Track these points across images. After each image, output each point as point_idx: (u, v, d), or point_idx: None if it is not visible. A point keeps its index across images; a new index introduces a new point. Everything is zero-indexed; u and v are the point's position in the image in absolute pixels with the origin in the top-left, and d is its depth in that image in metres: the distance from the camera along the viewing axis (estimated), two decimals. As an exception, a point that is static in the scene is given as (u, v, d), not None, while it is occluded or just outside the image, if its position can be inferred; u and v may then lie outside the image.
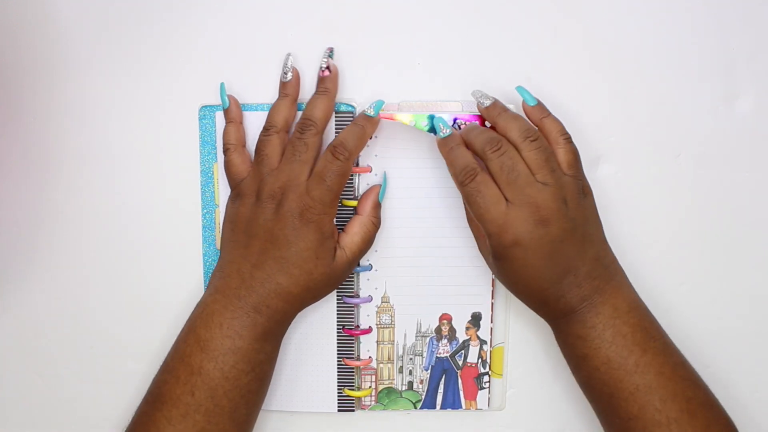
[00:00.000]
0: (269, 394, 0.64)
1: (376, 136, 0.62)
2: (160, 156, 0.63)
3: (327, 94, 0.59)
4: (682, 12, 0.61)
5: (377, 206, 0.61)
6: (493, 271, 0.59)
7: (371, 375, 0.64)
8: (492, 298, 0.63)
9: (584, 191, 0.57)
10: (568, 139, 0.57)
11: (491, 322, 0.64)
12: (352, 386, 0.64)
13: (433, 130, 0.59)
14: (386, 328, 0.64)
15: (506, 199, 0.55)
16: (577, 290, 0.55)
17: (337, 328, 0.64)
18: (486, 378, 0.64)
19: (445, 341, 0.64)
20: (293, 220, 0.56)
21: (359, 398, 0.65)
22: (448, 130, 0.58)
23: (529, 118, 0.58)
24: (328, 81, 0.59)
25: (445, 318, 0.64)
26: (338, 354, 0.64)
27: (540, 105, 0.58)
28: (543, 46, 0.62)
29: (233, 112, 0.61)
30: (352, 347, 0.64)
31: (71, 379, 0.66)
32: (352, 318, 0.63)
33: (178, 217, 0.64)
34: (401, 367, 0.65)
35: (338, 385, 0.64)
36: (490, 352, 0.64)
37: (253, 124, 0.62)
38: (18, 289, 0.65)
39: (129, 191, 0.64)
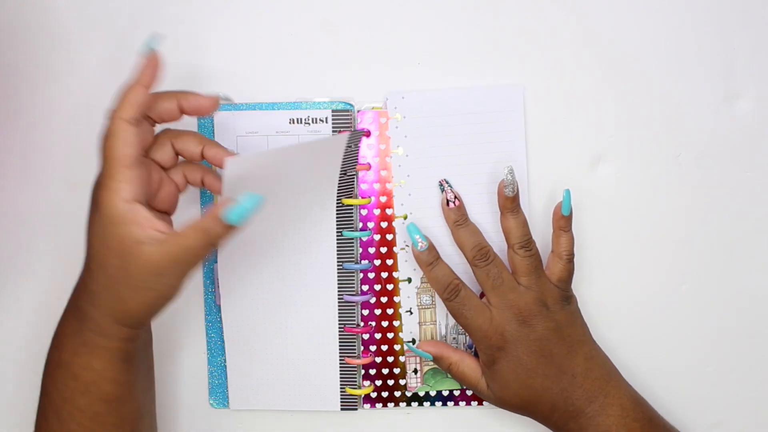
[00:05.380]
0: (271, 392, 0.64)
1: (397, 127, 0.62)
2: (159, 155, 0.63)
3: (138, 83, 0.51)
4: (683, 12, 0.61)
5: (216, 222, 0.48)
6: (492, 393, 0.59)
7: (415, 357, 0.64)
8: None
9: (568, 299, 0.59)
10: (571, 258, 0.59)
11: None
12: (354, 385, 0.64)
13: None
14: (427, 308, 0.64)
15: (490, 303, 0.58)
16: (580, 391, 0.57)
17: (339, 327, 0.64)
18: None
19: None
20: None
21: (361, 395, 0.65)
22: (425, 243, 0.59)
23: (553, 219, 0.60)
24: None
25: None
26: (340, 352, 0.64)
27: (570, 217, 0.59)
28: (543, 46, 0.62)
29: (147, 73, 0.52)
30: (354, 345, 0.64)
31: (72, 378, 0.66)
32: (353, 316, 0.64)
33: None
34: None
35: (340, 384, 0.64)
36: None
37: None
38: (18, 289, 0.65)
39: (129, 191, 0.64)
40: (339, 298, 0.63)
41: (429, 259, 0.59)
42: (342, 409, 0.64)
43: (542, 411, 0.58)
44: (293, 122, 0.62)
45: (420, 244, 0.59)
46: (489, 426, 0.66)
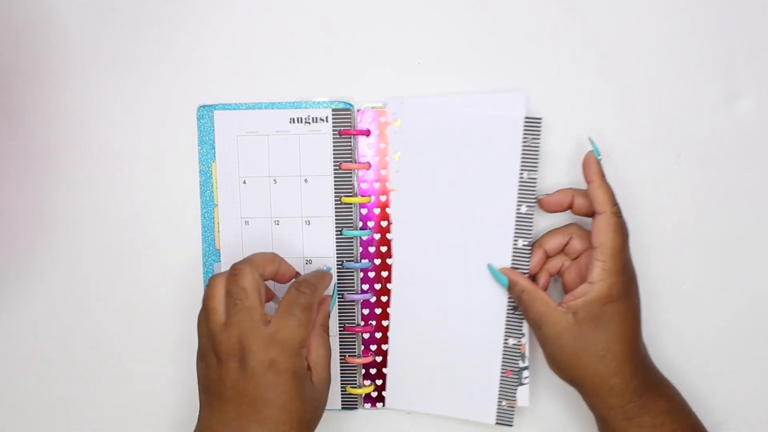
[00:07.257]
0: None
1: (395, 133, 0.62)
2: (159, 156, 0.63)
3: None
4: (683, 12, 0.61)
5: (328, 316, 0.59)
6: (574, 326, 0.56)
7: None
8: None
9: None
10: None
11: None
12: (355, 384, 0.64)
13: None
14: None
15: None
16: (645, 374, 0.57)
17: (339, 326, 0.64)
18: (526, 373, 0.63)
19: None
20: (264, 375, 0.51)
21: (361, 394, 0.65)
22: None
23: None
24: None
25: None
26: (340, 352, 0.64)
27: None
28: (544, 47, 0.62)
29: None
30: (354, 345, 0.64)
31: (71, 379, 0.66)
32: (353, 316, 0.64)
33: (177, 217, 0.64)
34: None
35: (341, 383, 0.64)
36: (528, 345, 0.63)
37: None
38: (18, 289, 0.65)
39: (128, 191, 0.64)
40: (339, 298, 0.63)
41: (602, 171, 0.58)
42: (342, 409, 0.65)
43: (630, 367, 0.56)
44: (293, 121, 0.62)
45: (600, 154, 0.58)
46: (489, 426, 0.66)
